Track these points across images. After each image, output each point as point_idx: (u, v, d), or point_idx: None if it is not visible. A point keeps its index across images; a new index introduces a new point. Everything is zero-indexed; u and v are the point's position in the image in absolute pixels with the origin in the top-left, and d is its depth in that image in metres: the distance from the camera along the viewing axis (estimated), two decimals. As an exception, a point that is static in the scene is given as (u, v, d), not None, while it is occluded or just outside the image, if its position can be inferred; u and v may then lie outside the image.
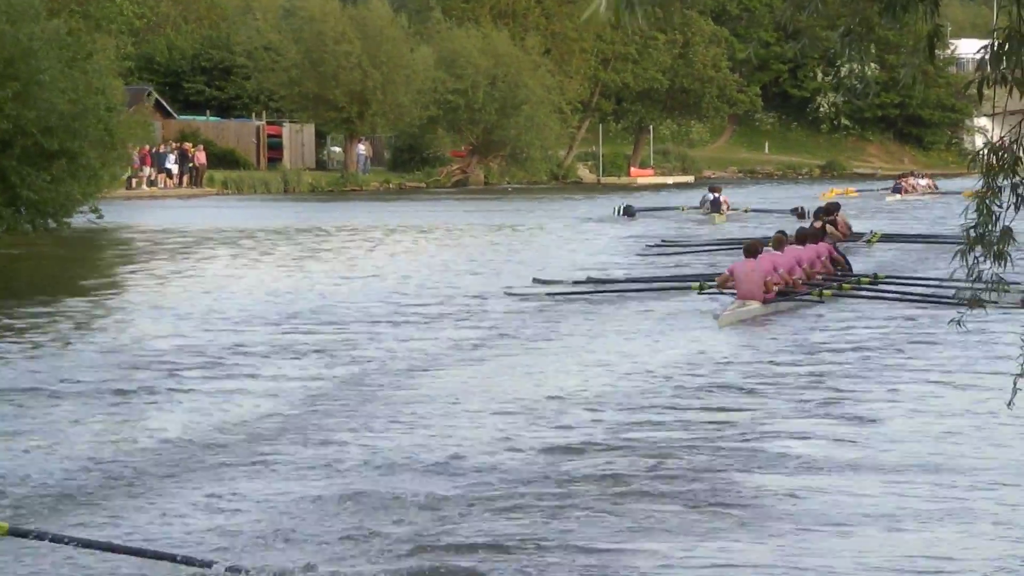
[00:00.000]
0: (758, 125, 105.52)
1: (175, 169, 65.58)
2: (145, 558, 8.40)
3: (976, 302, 7.30)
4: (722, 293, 21.30)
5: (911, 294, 21.61)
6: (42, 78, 35.87)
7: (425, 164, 77.15)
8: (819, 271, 22.78)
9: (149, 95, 68.24)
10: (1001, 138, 6.76)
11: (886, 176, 80.00)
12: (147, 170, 64.12)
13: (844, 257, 24.56)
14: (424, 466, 11.14)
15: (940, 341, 17.48)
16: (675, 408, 13.51)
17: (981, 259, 6.87)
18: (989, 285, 6.99)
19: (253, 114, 74.75)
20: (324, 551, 8.87)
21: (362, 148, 74.82)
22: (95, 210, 38.15)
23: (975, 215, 6.82)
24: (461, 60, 74.39)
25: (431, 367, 16.19)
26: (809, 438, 12.14)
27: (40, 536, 8.68)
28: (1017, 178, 6.77)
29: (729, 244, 30.35)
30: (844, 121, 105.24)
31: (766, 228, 32.74)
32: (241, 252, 33.15)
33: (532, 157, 78.63)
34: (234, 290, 24.56)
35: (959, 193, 52.59)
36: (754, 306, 20.18)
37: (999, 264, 6.88)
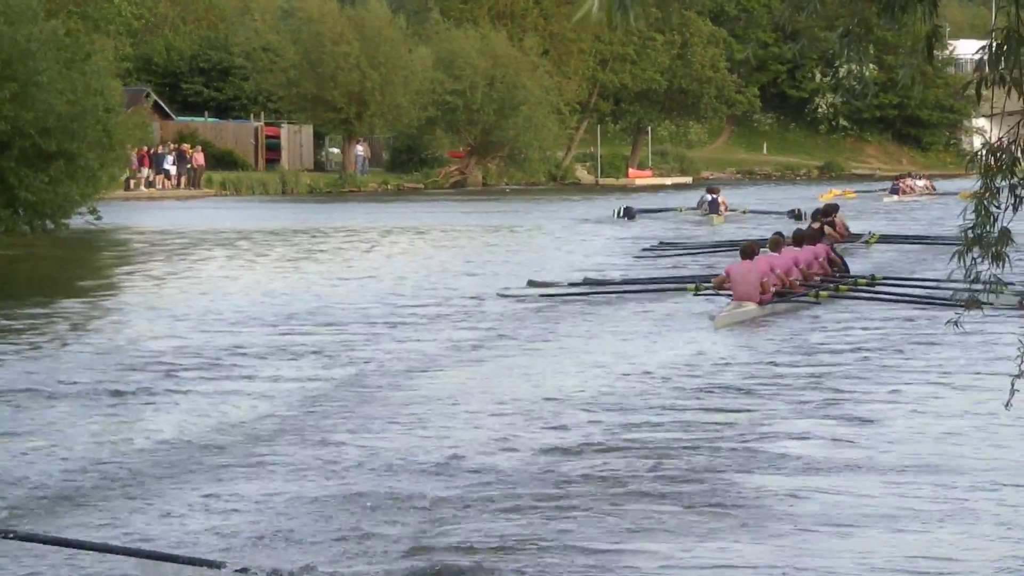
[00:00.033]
0: (756, 126, 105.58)
1: (173, 170, 65.58)
2: (150, 559, 8.34)
3: (974, 303, 7.30)
4: (718, 294, 21.29)
5: (908, 295, 21.56)
6: (40, 79, 35.84)
7: (423, 165, 77.16)
8: (816, 272, 22.74)
9: (147, 96, 68.24)
10: (999, 139, 6.75)
11: (884, 177, 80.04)
12: (145, 171, 64.12)
13: (841, 259, 24.55)
14: (422, 467, 11.14)
15: (938, 342, 17.49)
16: (671, 409, 13.50)
17: (979, 260, 6.86)
18: (987, 286, 6.99)
19: (251, 115, 74.75)
20: (322, 551, 8.86)
21: (360, 149, 74.83)
22: (93, 211, 38.10)
23: (973, 216, 6.81)
24: (459, 61, 74.40)
25: (428, 368, 16.19)
26: (807, 438, 12.13)
27: (30, 538, 8.66)
28: (1015, 179, 6.76)
29: (727, 245, 30.34)
30: (842, 122, 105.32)
31: (764, 229, 32.74)
32: (239, 253, 33.15)
33: (530, 158, 78.65)
34: (232, 291, 24.55)
35: (956, 194, 52.66)
36: (750, 307, 20.16)
37: (997, 265, 6.87)
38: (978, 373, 15.38)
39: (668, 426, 12.68)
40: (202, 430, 12.60)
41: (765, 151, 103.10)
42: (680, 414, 13.23)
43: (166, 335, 18.87)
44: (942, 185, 64.41)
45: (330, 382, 15.17)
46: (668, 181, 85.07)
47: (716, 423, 12.80)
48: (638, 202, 50.28)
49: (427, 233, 39.88)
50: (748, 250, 21.01)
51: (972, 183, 7.01)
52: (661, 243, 32.88)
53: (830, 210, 32.69)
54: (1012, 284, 10.35)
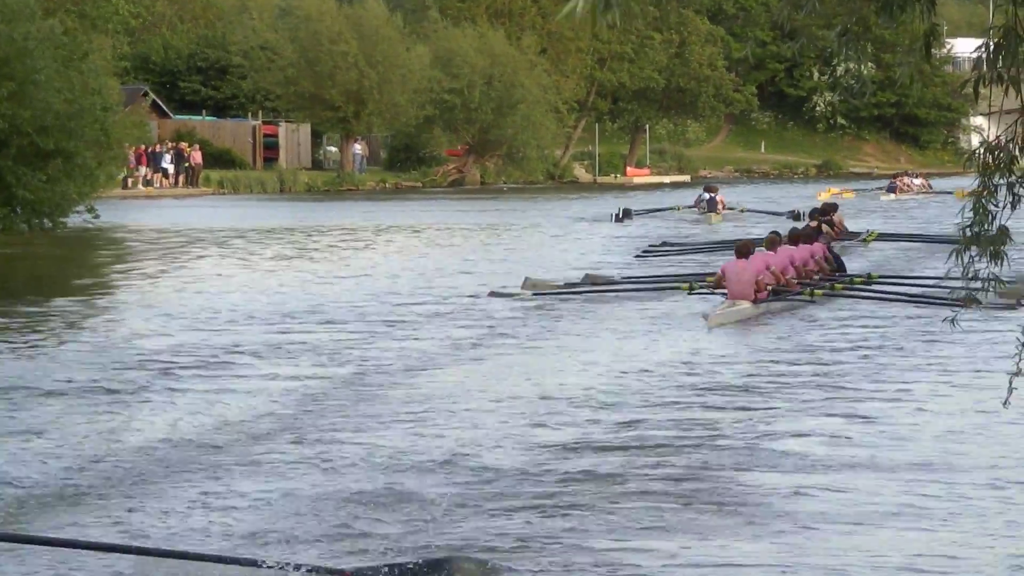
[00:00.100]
0: (754, 124, 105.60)
1: (171, 169, 65.55)
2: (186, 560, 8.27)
3: (971, 301, 7.30)
4: (712, 293, 21.27)
5: (904, 294, 21.47)
6: (38, 78, 35.88)
7: (421, 164, 77.14)
8: (812, 271, 22.71)
9: (145, 95, 68.23)
10: (997, 137, 6.75)
11: (882, 175, 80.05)
12: (143, 170, 64.09)
13: (838, 257, 24.53)
14: (420, 465, 11.13)
15: (935, 340, 17.48)
16: (667, 407, 13.49)
17: (977, 258, 6.86)
18: (984, 284, 6.99)
19: (249, 114, 74.73)
20: (321, 550, 8.86)
21: (358, 148, 74.82)
22: (91, 210, 38.14)
23: (971, 214, 6.81)
24: (457, 59, 74.39)
25: (425, 367, 16.18)
26: (805, 436, 12.13)
27: (25, 540, 8.66)
28: (1013, 177, 6.76)
29: (731, 244, 30.27)
30: (840, 120, 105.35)
31: (762, 228, 32.73)
32: (236, 252, 33.13)
33: (528, 157, 78.65)
34: (229, 290, 24.54)
35: (951, 193, 52.74)
36: (744, 306, 20.11)
37: (995, 263, 6.87)
38: (976, 371, 15.38)
39: (664, 425, 12.67)
40: (199, 428, 12.60)
41: (763, 150, 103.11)
42: (676, 412, 13.22)
43: (163, 333, 18.87)
44: (940, 184, 64.45)
45: (327, 380, 15.16)
46: (666, 180, 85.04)
47: (713, 421, 12.79)
48: (636, 201, 50.26)
49: (424, 232, 39.88)
50: (743, 249, 20.99)
51: (970, 181, 7.01)
52: (664, 243, 32.75)
53: (828, 209, 32.70)
54: (1010, 282, 10.36)
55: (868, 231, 33.60)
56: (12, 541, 8.63)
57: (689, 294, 21.83)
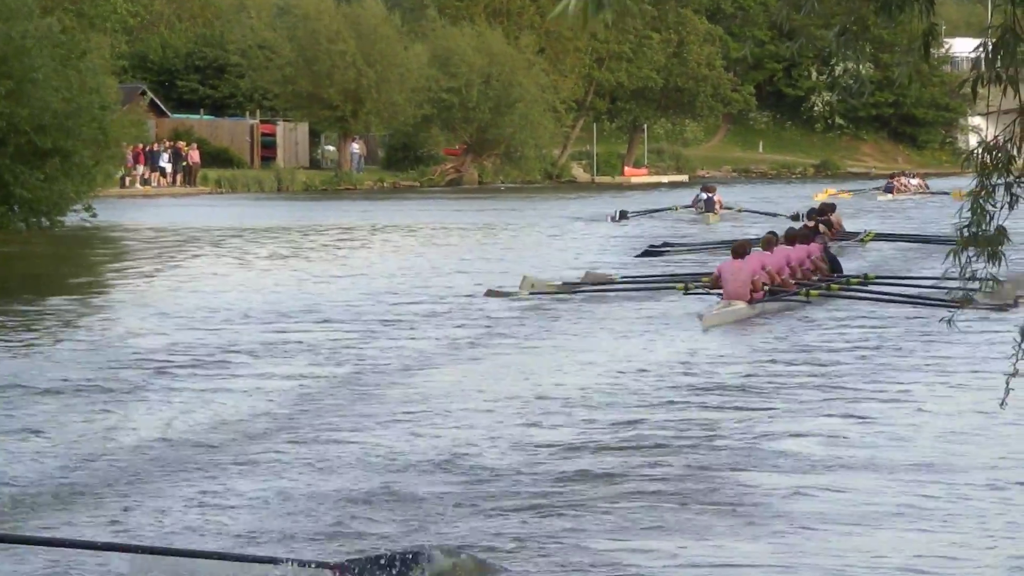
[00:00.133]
0: (752, 124, 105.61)
1: (169, 168, 65.54)
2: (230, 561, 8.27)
3: (967, 302, 7.29)
4: (708, 293, 21.25)
5: (901, 295, 21.40)
6: (36, 76, 35.86)
7: (419, 163, 77.14)
8: (809, 271, 22.65)
9: (143, 93, 68.23)
10: (995, 137, 6.74)
11: (880, 175, 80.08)
12: (141, 168, 64.08)
13: (835, 258, 24.48)
14: (417, 464, 11.11)
15: (931, 341, 17.48)
16: (664, 408, 13.47)
17: (974, 258, 6.85)
18: (982, 285, 6.98)
19: (247, 112, 74.72)
20: (316, 551, 8.84)
21: (356, 147, 74.81)
22: (88, 208, 38.13)
23: (969, 214, 6.80)
24: (455, 59, 74.39)
25: (422, 366, 16.17)
26: (802, 437, 12.11)
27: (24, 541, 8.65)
28: (1011, 177, 6.75)
29: (730, 244, 30.20)
30: (838, 120, 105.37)
31: (760, 228, 32.70)
32: (233, 251, 33.13)
33: (526, 156, 78.66)
34: (226, 289, 24.54)
35: (948, 193, 52.81)
36: (739, 306, 20.07)
37: (993, 264, 6.86)
38: (974, 371, 15.37)
39: (662, 424, 12.65)
40: (195, 427, 12.58)
41: (761, 149, 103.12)
42: (673, 413, 13.20)
43: (159, 332, 18.85)
44: (937, 184, 64.48)
45: (324, 380, 15.15)
46: (664, 179, 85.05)
47: (710, 421, 12.78)
48: (633, 201, 50.25)
49: (421, 231, 39.87)
50: (739, 249, 20.97)
51: (968, 181, 7.00)
52: (665, 243, 32.59)
53: (825, 209, 32.66)
54: (1006, 282, 10.37)
55: (866, 231, 33.57)
56: (8, 542, 8.62)
57: (685, 294, 21.80)
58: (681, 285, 22.21)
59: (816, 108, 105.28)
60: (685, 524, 9.48)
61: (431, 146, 77.79)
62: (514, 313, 20.78)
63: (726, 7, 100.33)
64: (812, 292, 21.47)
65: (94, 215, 38.19)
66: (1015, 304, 19.61)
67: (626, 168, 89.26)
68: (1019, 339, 7.01)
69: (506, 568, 8.52)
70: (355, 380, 15.15)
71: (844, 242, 31.10)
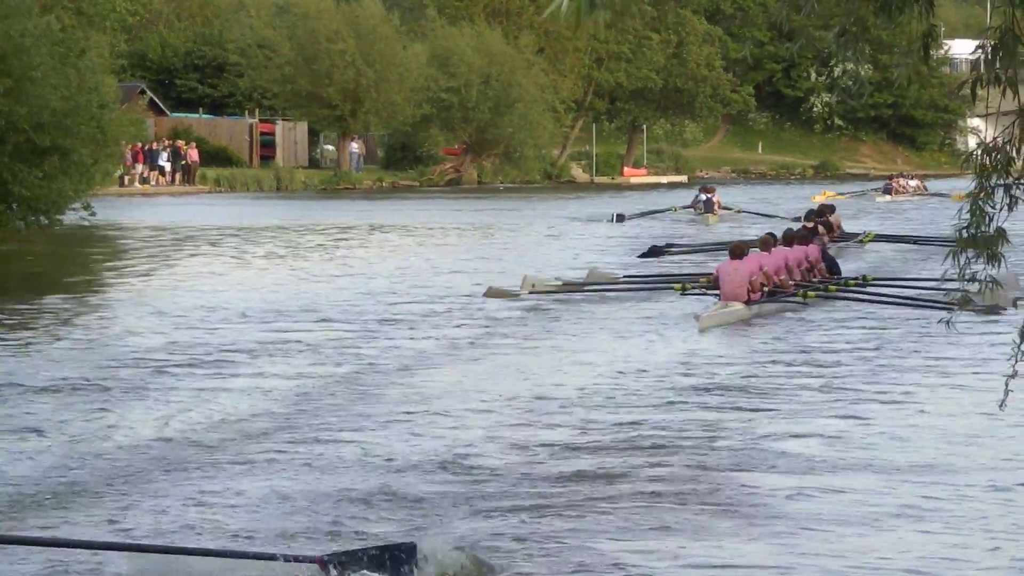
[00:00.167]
0: (751, 125, 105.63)
1: (167, 166, 65.55)
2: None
3: (966, 303, 7.28)
4: (705, 294, 21.24)
5: (898, 297, 21.34)
6: (34, 74, 35.82)
7: (418, 162, 77.14)
8: (807, 272, 22.59)
9: (142, 92, 68.21)
10: (994, 139, 6.73)
11: (878, 176, 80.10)
12: (140, 167, 64.10)
13: (833, 260, 24.45)
14: (415, 464, 11.11)
15: (931, 342, 17.47)
16: (662, 408, 13.46)
17: (973, 260, 6.84)
18: (981, 286, 6.97)
19: (246, 112, 74.71)
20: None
21: (355, 146, 74.81)
22: (87, 207, 38.08)
23: (968, 216, 6.79)
24: (454, 58, 74.40)
25: (421, 366, 16.16)
26: (801, 437, 12.10)
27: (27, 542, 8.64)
28: (1010, 179, 6.75)
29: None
30: (837, 121, 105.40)
31: (760, 229, 32.68)
32: (232, 250, 33.12)
33: (525, 156, 78.66)
34: (224, 288, 24.53)
35: (947, 196, 52.84)
36: (736, 307, 20.05)
37: (992, 265, 6.85)
38: (974, 372, 15.37)
39: (660, 424, 12.64)
40: (192, 426, 12.57)
41: (760, 150, 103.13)
42: (671, 413, 13.19)
43: (158, 331, 18.85)
44: (937, 185, 64.52)
45: (323, 379, 15.14)
46: (663, 180, 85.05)
47: (709, 422, 12.77)
48: (632, 202, 50.24)
49: (420, 231, 39.85)
50: (737, 249, 20.95)
51: (967, 183, 6.99)
52: (669, 244, 32.43)
53: (824, 210, 32.64)
54: (1003, 286, 10.36)
55: (865, 232, 33.56)
56: (5, 543, 8.60)
57: (682, 295, 21.78)
58: (679, 286, 22.20)
59: (815, 109, 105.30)
60: (685, 524, 9.47)
61: (430, 146, 77.80)
62: (513, 313, 20.77)
63: (725, 8, 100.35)
64: (809, 294, 21.43)
65: (93, 214, 38.14)
66: (1012, 307, 19.54)
67: (625, 168, 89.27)
68: (1018, 340, 7.01)
69: (498, 564, 8.51)
70: (354, 380, 15.14)
71: (844, 243, 31.09)
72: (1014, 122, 6.69)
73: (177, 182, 65.54)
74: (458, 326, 19.50)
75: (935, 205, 51.61)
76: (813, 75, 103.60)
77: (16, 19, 36.40)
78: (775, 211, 45.18)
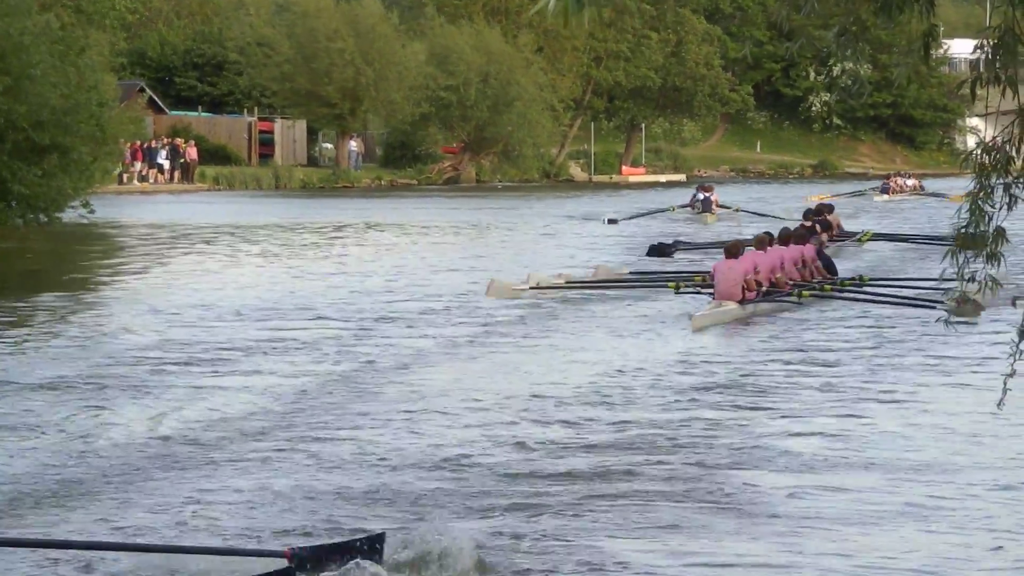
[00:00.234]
0: (750, 124, 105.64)
1: (166, 164, 65.54)
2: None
3: (965, 303, 7.29)
4: (700, 293, 21.23)
5: (894, 296, 21.31)
6: (34, 72, 35.80)
7: (417, 161, 77.12)
8: (804, 271, 22.57)
9: (141, 90, 68.18)
10: (994, 138, 6.74)
11: (877, 176, 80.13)
12: (138, 165, 64.08)
13: (829, 259, 24.43)
14: (413, 463, 11.10)
15: (928, 341, 17.46)
16: (660, 408, 13.44)
17: (972, 259, 6.85)
18: (980, 286, 6.97)
19: (245, 110, 74.69)
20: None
21: (354, 144, 74.80)
22: (86, 205, 38.07)
23: (967, 215, 6.80)
24: (453, 57, 74.39)
25: (419, 364, 16.15)
26: (800, 436, 12.09)
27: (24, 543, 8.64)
28: (1009, 178, 6.75)
29: None
30: (836, 120, 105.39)
31: (758, 228, 32.67)
32: (230, 248, 33.11)
33: (524, 155, 78.65)
34: (222, 286, 24.52)
35: (944, 196, 52.88)
36: (730, 306, 20.02)
37: (991, 264, 6.86)
38: (972, 372, 15.37)
39: (658, 424, 12.63)
40: (190, 424, 12.56)
41: (759, 149, 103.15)
42: (670, 412, 13.17)
43: (155, 329, 18.84)
44: (935, 185, 64.54)
45: (321, 377, 15.13)
46: (662, 179, 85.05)
47: (708, 421, 12.76)
48: (630, 200, 50.21)
49: (418, 229, 39.84)
50: (732, 248, 20.92)
51: (966, 182, 7.00)
52: (677, 242, 32.30)
53: (822, 209, 32.63)
54: (1003, 283, 10.36)
55: (864, 231, 33.56)
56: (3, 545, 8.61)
57: (676, 293, 21.77)
58: (673, 284, 22.19)
59: (814, 108, 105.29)
60: (684, 522, 9.47)
61: (429, 144, 77.77)
62: (510, 312, 20.77)
63: (724, 7, 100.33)
64: (804, 293, 21.39)
65: (92, 212, 38.12)
66: (1011, 306, 19.47)
67: (623, 167, 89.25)
68: (1017, 339, 7.02)
69: (496, 562, 8.51)
70: (351, 378, 15.13)
71: (842, 242, 31.09)
72: (1013, 121, 6.69)
73: (176, 180, 65.53)
74: (456, 324, 19.49)
75: (933, 204, 51.63)
76: (812, 74, 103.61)
77: (16, 17, 36.39)
78: (772, 210, 45.17)
